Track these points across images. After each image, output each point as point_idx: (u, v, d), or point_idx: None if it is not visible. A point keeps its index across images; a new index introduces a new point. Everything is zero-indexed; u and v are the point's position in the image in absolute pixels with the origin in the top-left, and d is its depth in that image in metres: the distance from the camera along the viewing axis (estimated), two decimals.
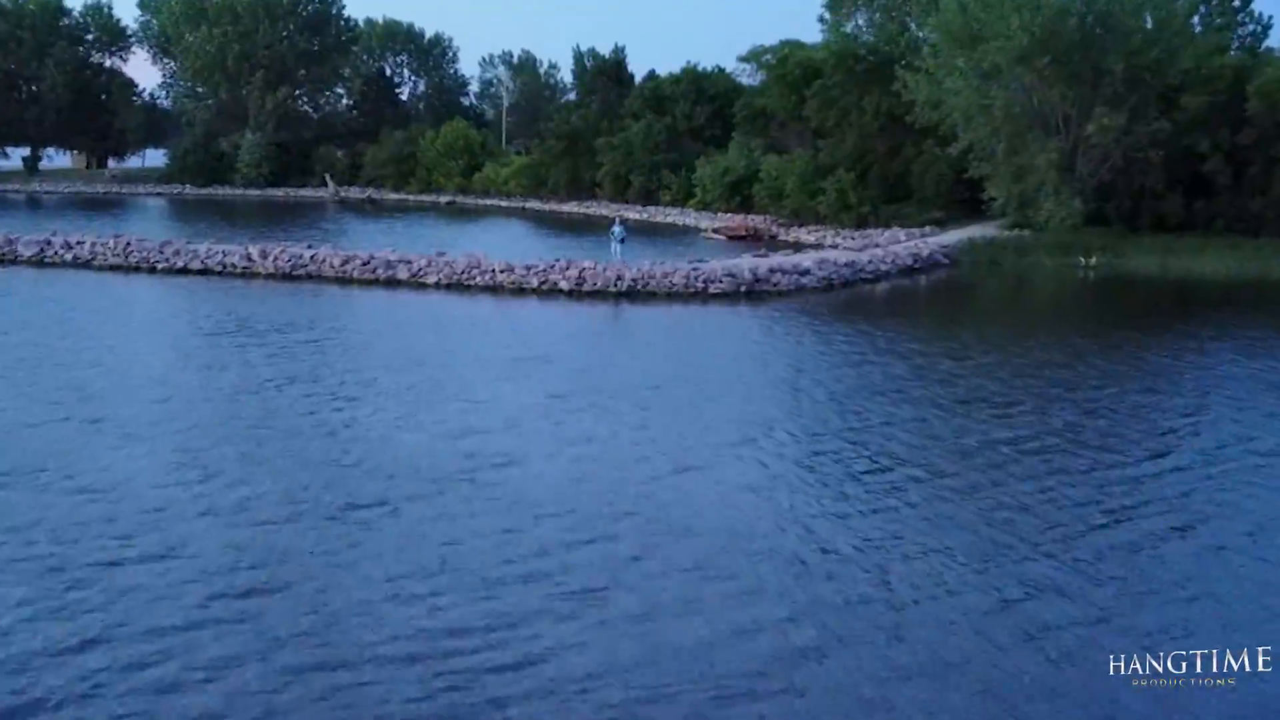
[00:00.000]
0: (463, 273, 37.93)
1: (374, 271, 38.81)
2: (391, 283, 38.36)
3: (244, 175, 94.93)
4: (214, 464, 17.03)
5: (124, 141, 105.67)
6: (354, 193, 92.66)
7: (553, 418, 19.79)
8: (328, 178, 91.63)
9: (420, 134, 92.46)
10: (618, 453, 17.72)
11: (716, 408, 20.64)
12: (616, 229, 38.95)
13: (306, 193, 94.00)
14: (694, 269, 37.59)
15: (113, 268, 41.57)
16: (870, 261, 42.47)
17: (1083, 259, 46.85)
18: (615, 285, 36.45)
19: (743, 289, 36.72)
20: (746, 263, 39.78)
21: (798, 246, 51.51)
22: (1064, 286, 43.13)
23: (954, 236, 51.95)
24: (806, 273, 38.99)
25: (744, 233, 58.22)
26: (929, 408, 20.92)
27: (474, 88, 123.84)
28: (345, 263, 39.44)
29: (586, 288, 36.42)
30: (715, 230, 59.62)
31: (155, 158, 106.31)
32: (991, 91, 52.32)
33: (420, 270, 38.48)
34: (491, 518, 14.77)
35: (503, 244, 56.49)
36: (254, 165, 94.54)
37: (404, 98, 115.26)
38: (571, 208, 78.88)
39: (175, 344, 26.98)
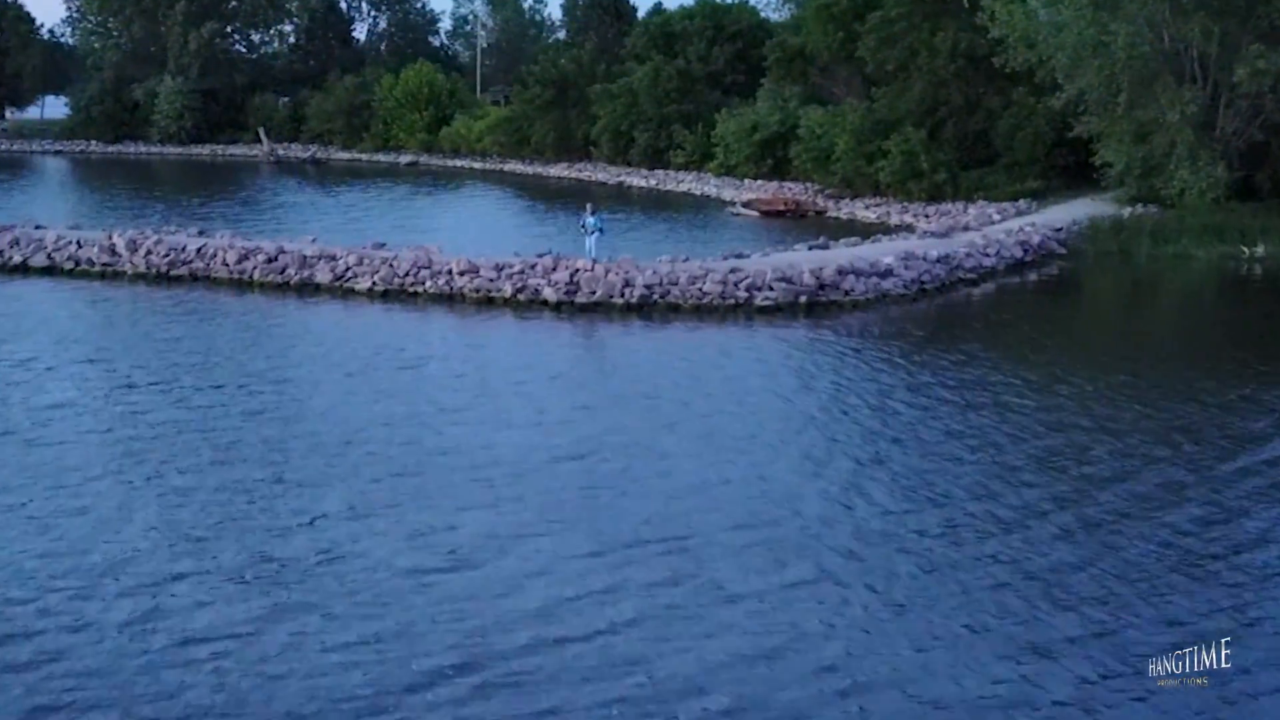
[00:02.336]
0: (407, 275, 29.99)
1: (283, 272, 30.83)
2: (307, 288, 30.42)
3: (161, 129, 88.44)
4: None
5: (19, 88, 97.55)
6: (295, 151, 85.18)
7: (588, 617, 11.74)
8: (261, 133, 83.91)
9: (376, 79, 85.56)
10: None
11: (882, 599, 12.63)
12: (590, 219, 30.64)
13: (238, 151, 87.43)
14: (732, 270, 29.56)
15: None
16: (969, 255, 34.53)
17: (1245, 248, 38.81)
18: (622, 295, 28.47)
19: (802, 299, 28.76)
20: (804, 259, 31.79)
21: (864, 230, 43.48)
22: (1234, 289, 35.16)
23: (1060, 214, 44.23)
24: (888, 273, 31.03)
25: (782, 208, 50.45)
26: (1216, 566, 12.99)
27: (445, 25, 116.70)
28: (243, 259, 31.44)
29: (581, 298, 28.47)
30: (745, 204, 51.68)
31: (57, 107, 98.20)
32: (1109, 25, 44.29)
33: (348, 271, 30.51)
34: None
35: (471, 220, 49.09)
36: (173, 117, 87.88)
37: (359, 37, 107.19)
38: (560, 171, 72.17)
39: None
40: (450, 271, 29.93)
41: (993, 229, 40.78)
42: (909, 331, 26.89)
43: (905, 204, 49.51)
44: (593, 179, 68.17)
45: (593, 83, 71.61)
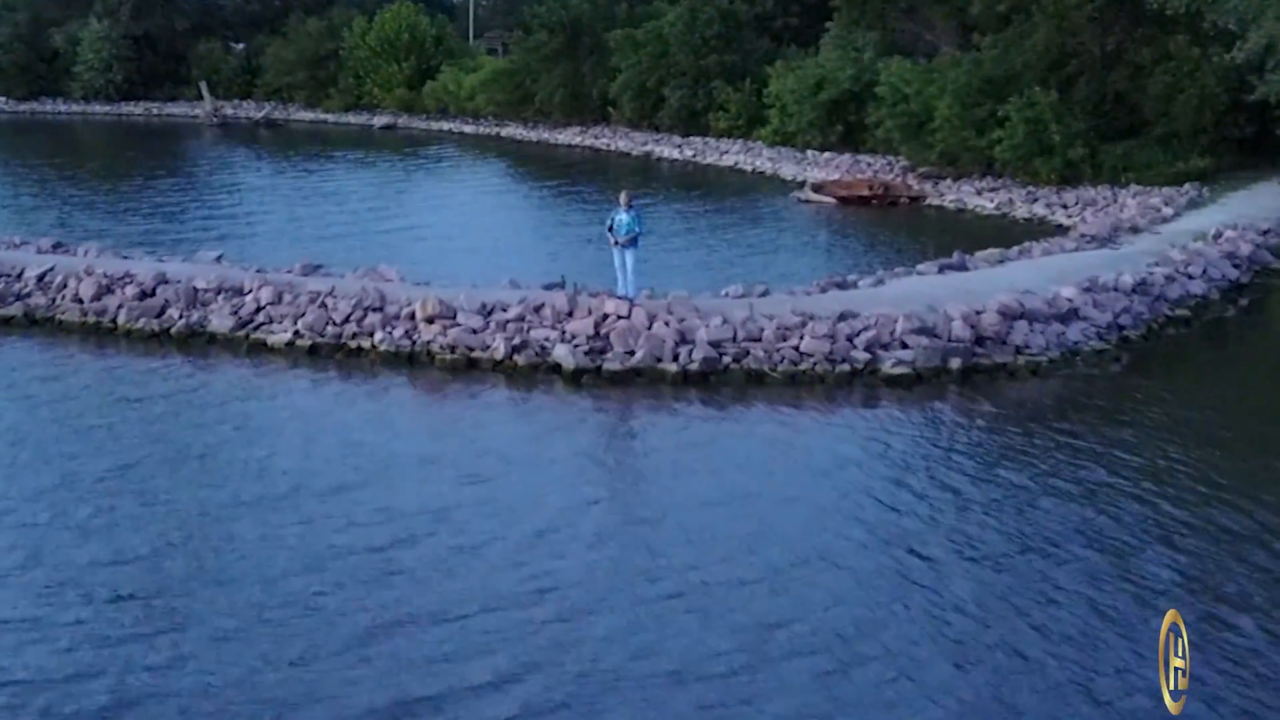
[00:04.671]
0: (347, 320, 21.88)
1: (161, 314, 22.76)
2: (195, 340, 22.27)
3: (85, 84, 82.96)
4: None
5: None
6: (246, 111, 79.92)
7: None
8: (204, 88, 77.59)
9: (346, 23, 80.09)
10: None
11: None
12: (623, 215, 21.93)
13: (177, 110, 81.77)
14: (842, 317, 21.37)
15: None
16: (1170, 279, 26.24)
17: None
18: (675, 357, 20.29)
19: (953, 362, 20.50)
20: (939, 288, 23.65)
21: (979, 225, 35.52)
22: None
23: (1250, 206, 36.85)
24: (1073, 315, 22.83)
25: (866, 193, 42.31)
26: None
27: None
28: (104, 292, 23.35)
29: (612, 362, 20.40)
30: (816, 189, 43.28)
31: None
32: None
33: (259, 313, 22.39)
34: None
35: (454, 211, 41.08)
36: (100, 69, 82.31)
37: None
38: (571, 138, 64.91)
39: None
40: (413, 315, 21.81)
41: (1170, 229, 32.88)
42: (1133, 418, 18.69)
43: (1030, 188, 41.46)
44: (611, 148, 60.66)
45: (612, 27, 64.91)
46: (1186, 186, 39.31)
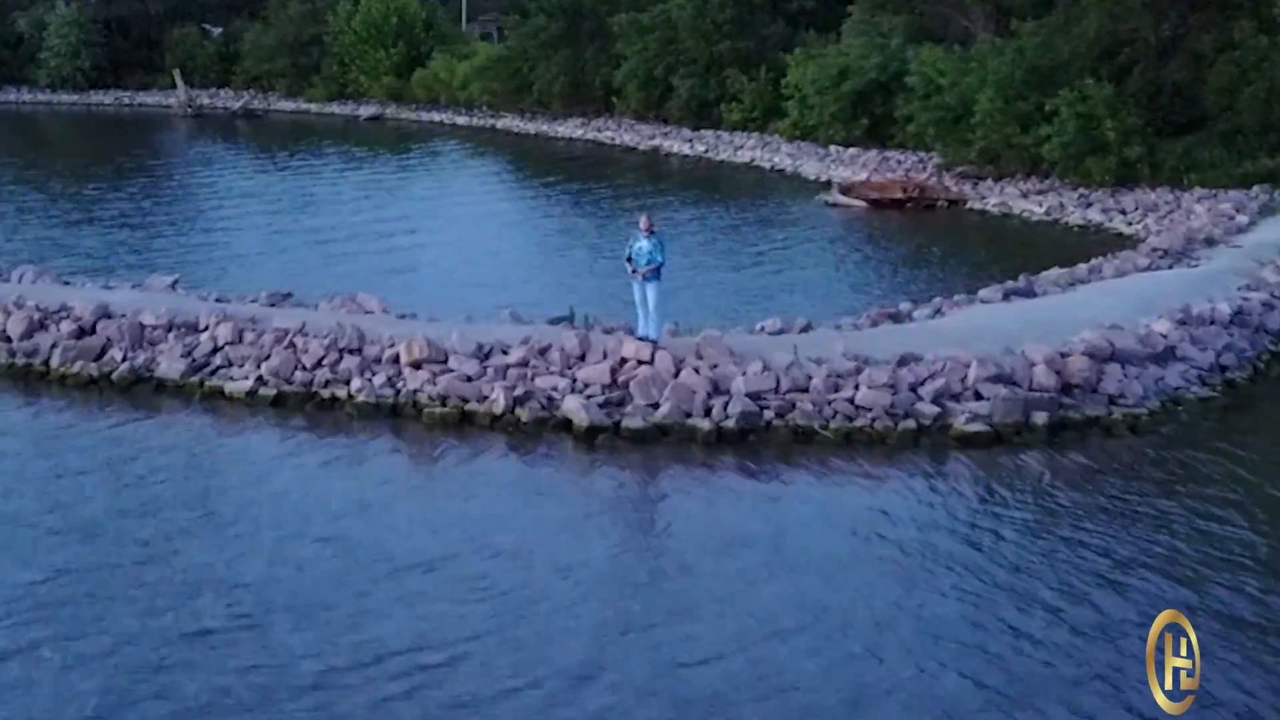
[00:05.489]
0: (319, 365, 19.16)
1: (101, 356, 20.11)
2: (140, 388, 19.64)
3: (52, 71, 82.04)
4: None
5: None
6: (223, 100, 78.52)
7: None
8: (177, 77, 76.54)
9: (329, 7, 78.52)
10: None
11: None
12: (643, 242, 19.13)
13: (151, 99, 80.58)
14: (903, 362, 18.69)
15: None
16: (1269, 305, 23.67)
17: None
18: (707, 412, 17.61)
19: (1037, 419, 17.83)
20: (1008, 318, 20.90)
21: (1025, 231, 32.91)
22: None
23: None
24: (1169, 356, 20.14)
25: (900, 195, 39.73)
26: None
27: None
28: (35, 330, 20.69)
29: (633, 418, 17.77)
30: (845, 191, 40.76)
31: None
32: None
33: (216, 354, 19.74)
34: None
35: (445, 220, 38.39)
36: (67, 56, 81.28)
37: None
38: (572, 130, 62.76)
39: None
40: (396, 357, 19.13)
41: (1249, 241, 30.47)
42: (1270, 486, 15.94)
43: (1082, 190, 38.85)
44: (616, 141, 58.50)
45: (615, 11, 62.83)
46: (1255, 190, 36.72)
